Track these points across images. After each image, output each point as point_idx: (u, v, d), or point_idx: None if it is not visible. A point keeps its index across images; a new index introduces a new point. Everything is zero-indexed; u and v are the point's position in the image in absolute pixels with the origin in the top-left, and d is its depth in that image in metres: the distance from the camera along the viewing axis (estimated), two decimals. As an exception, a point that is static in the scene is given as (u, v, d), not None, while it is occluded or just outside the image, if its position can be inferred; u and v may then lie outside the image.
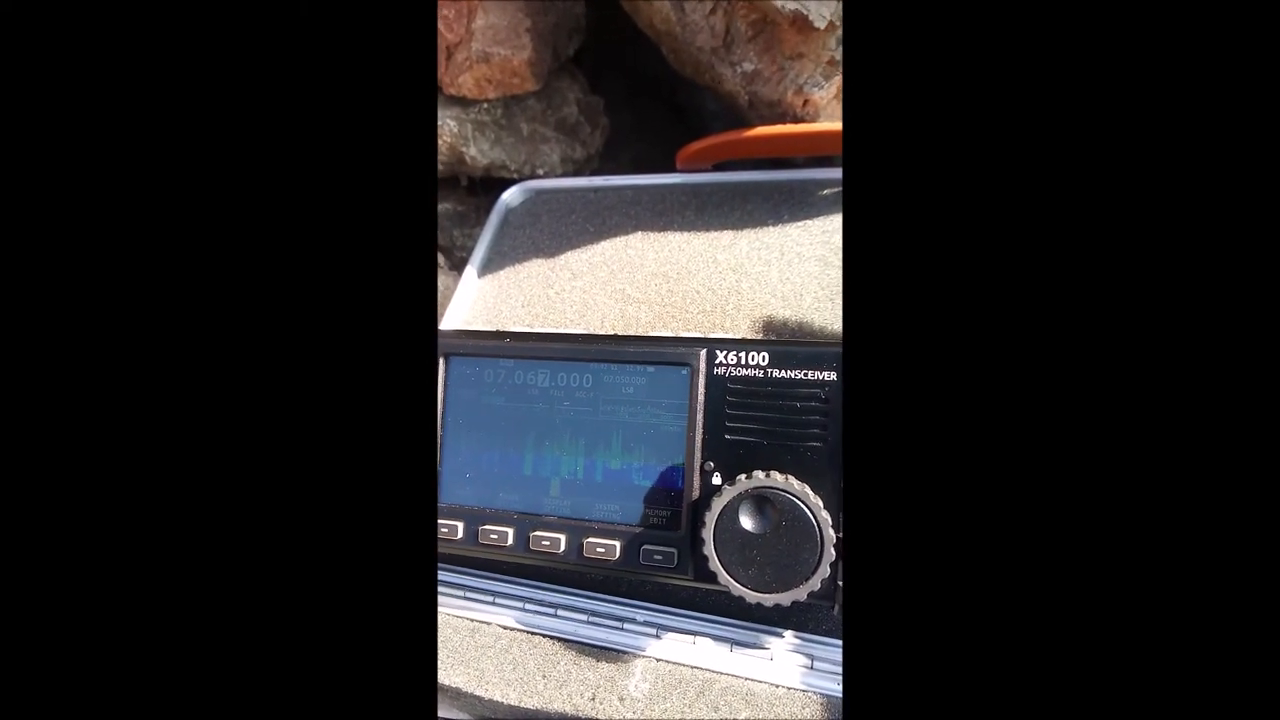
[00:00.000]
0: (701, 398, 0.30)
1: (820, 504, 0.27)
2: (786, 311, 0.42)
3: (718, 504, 0.28)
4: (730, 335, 0.39)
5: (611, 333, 0.40)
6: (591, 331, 0.41)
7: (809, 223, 0.45)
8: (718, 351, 0.30)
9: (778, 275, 0.43)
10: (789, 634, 0.32)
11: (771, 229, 0.45)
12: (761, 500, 0.28)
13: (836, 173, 0.46)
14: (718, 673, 0.31)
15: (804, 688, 0.30)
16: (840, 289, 0.41)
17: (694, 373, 0.30)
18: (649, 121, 0.64)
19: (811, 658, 0.31)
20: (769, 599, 0.27)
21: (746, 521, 0.28)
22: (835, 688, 0.30)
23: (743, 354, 0.30)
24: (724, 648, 0.32)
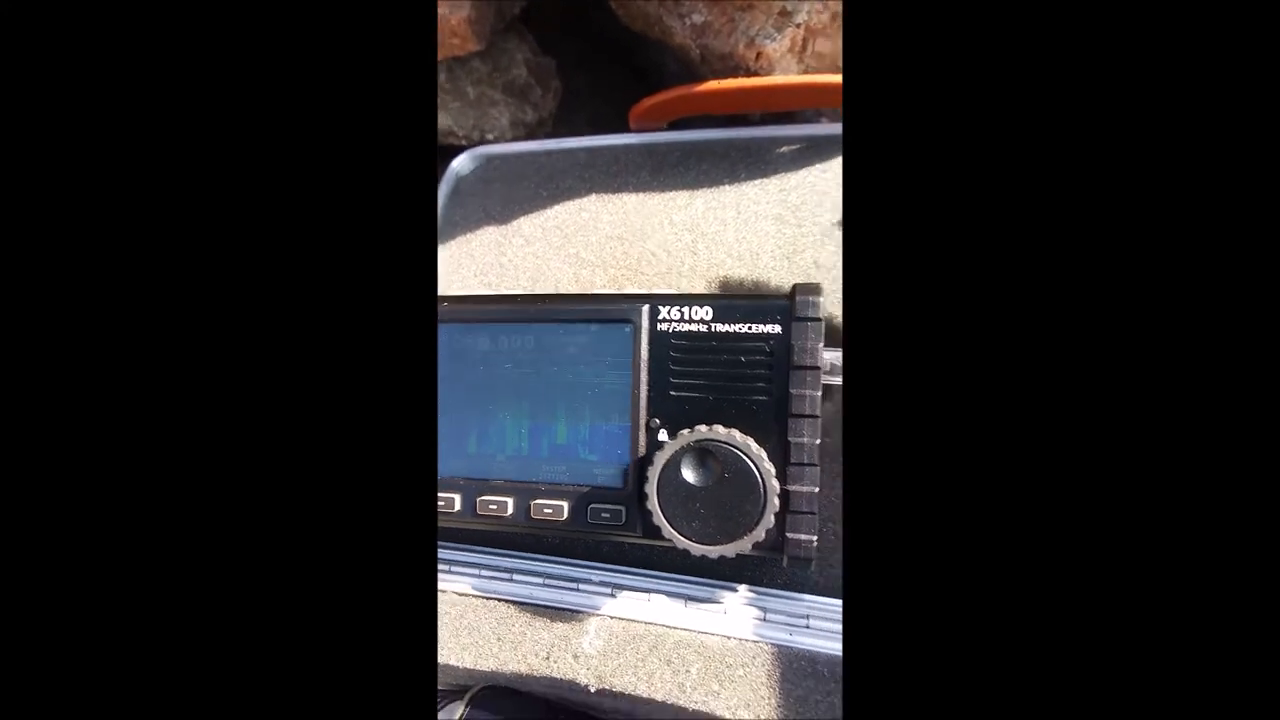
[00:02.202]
0: (645, 354, 0.30)
1: (763, 455, 0.27)
2: (743, 271, 0.41)
3: (660, 458, 0.28)
4: (679, 292, 0.38)
5: (552, 292, 0.40)
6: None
7: (765, 181, 0.44)
8: (660, 307, 0.30)
9: (734, 235, 0.42)
10: (743, 588, 0.32)
11: (728, 188, 0.44)
12: (703, 453, 0.27)
13: (793, 129, 0.46)
14: (671, 627, 0.31)
15: (756, 638, 0.30)
16: (795, 247, 0.41)
17: (636, 329, 0.30)
18: (608, 83, 0.62)
19: (764, 610, 0.31)
20: (714, 550, 0.27)
21: (689, 475, 0.27)
22: (787, 638, 0.30)
23: (686, 309, 0.30)
24: (678, 603, 0.32)
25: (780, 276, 0.40)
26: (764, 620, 0.31)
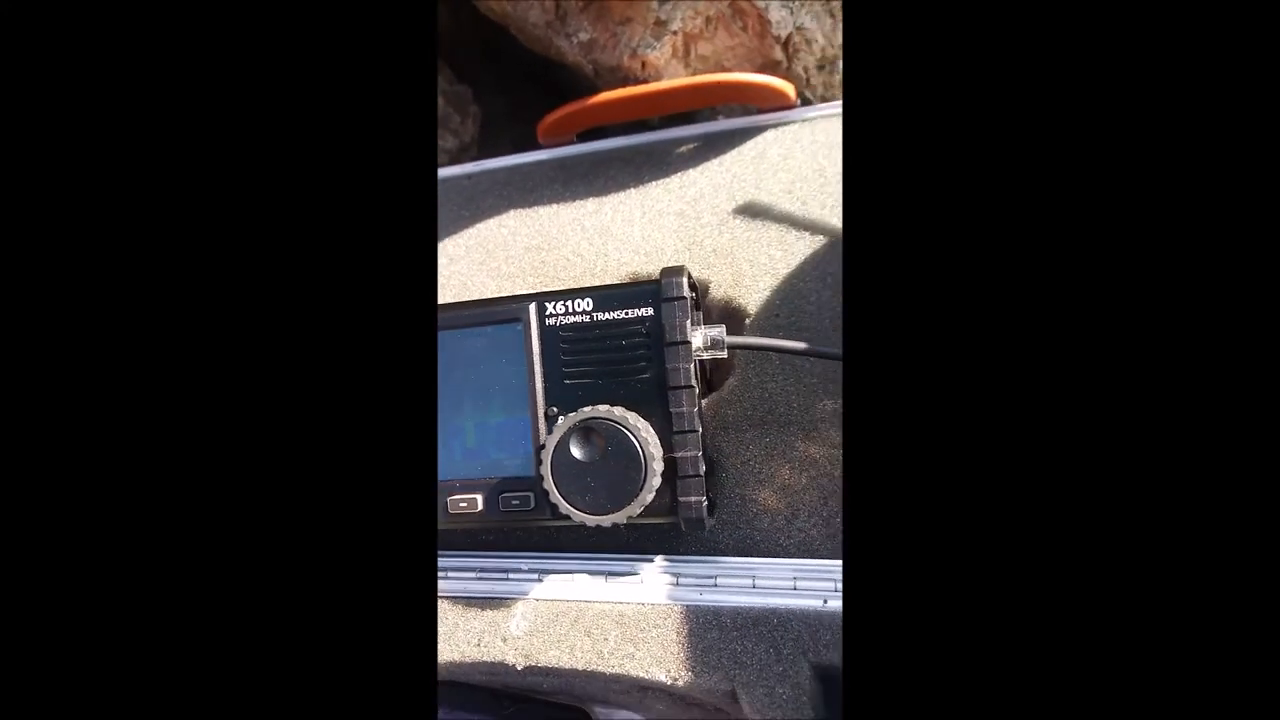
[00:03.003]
0: (537, 349, 0.32)
1: (640, 427, 0.29)
2: (650, 266, 0.44)
3: (551, 441, 0.30)
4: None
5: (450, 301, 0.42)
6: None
7: (668, 180, 0.47)
8: (546, 304, 0.32)
9: (640, 234, 0.45)
10: (659, 558, 0.34)
11: (633, 191, 0.47)
12: (588, 431, 0.30)
13: (690, 129, 0.48)
14: (591, 602, 0.33)
15: (669, 602, 0.32)
16: (695, 238, 0.43)
17: (526, 326, 0.32)
18: (527, 104, 0.65)
19: (677, 575, 0.33)
20: (606, 519, 0.29)
21: (578, 452, 0.30)
22: (697, 597, 0.32)
23: (569, 302, 0.32)
24: (599, 580, 0.34)
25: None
26: (676, 585, 0.33)
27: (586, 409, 0.30)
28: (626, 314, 0.31)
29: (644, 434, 0.29)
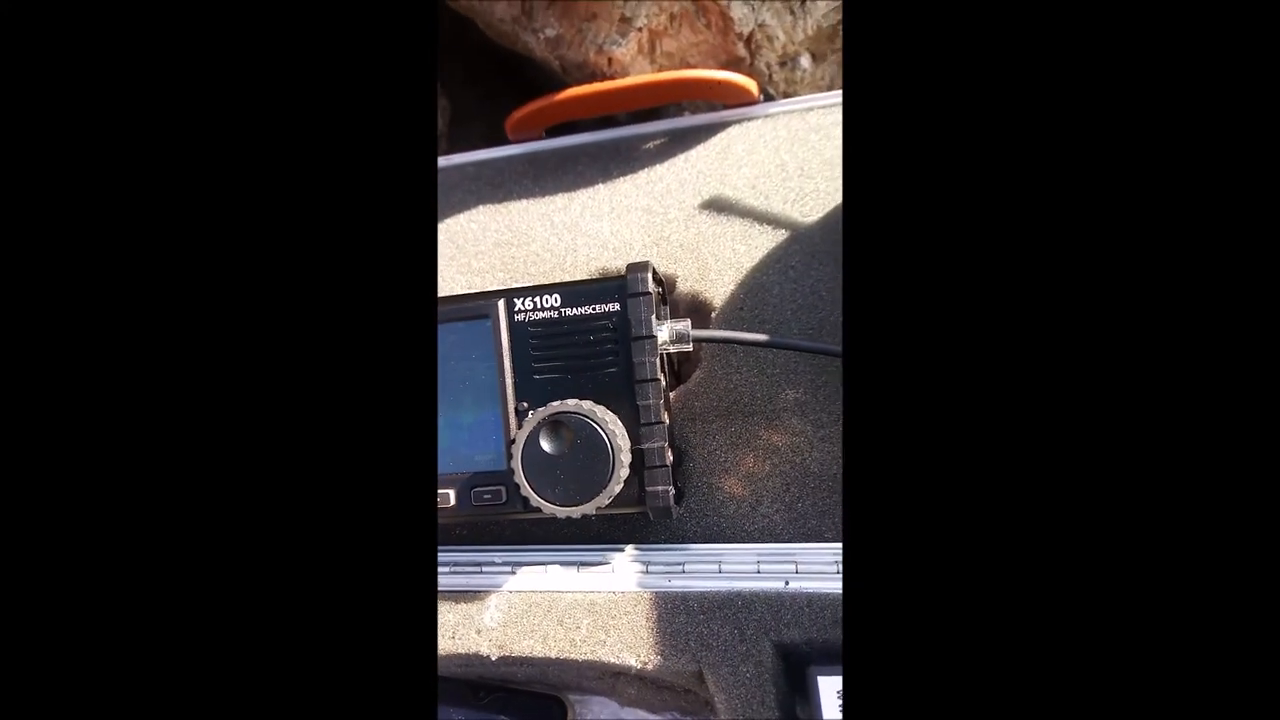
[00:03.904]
0: (506, 344, 0.33)
1: (607, 419, 0.30)
2: (619, 261, 0.44)
3: (521, 435, 0.30)
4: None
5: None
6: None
7: (635, 176, 0.47)
8: (515, 300, 0.33)
9: (609, 229, 0.45)
10: (629, 547, 0.35)
11: (601, 187, 0.47)
12: (557, 424, 0.30)
13: (657, 125, 0.49)
14: (564, 592, 0.34)
15: (639, 589, 0.33)
16: (663, 234, 0.44)
17: (495, 322, 0.33)
18: (497, 98, 0.65)
19: (647, 563, 0.34)
20: (576, 511, 0.30)
21: (547, 445, 0.30)
22: (666, 583, 0.33)
23: (537, 298, 0.33)
24: (571, 570, 0.35)
25: (653, 261, 0.43)
26: (646, 572, 0.34)
27: (555, 403, 0.31)
28: (594, 309, 0.32)
29: (611, 426, 0.30)
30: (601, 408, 0.30)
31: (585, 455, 0.30)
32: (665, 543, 0.35)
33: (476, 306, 0.33)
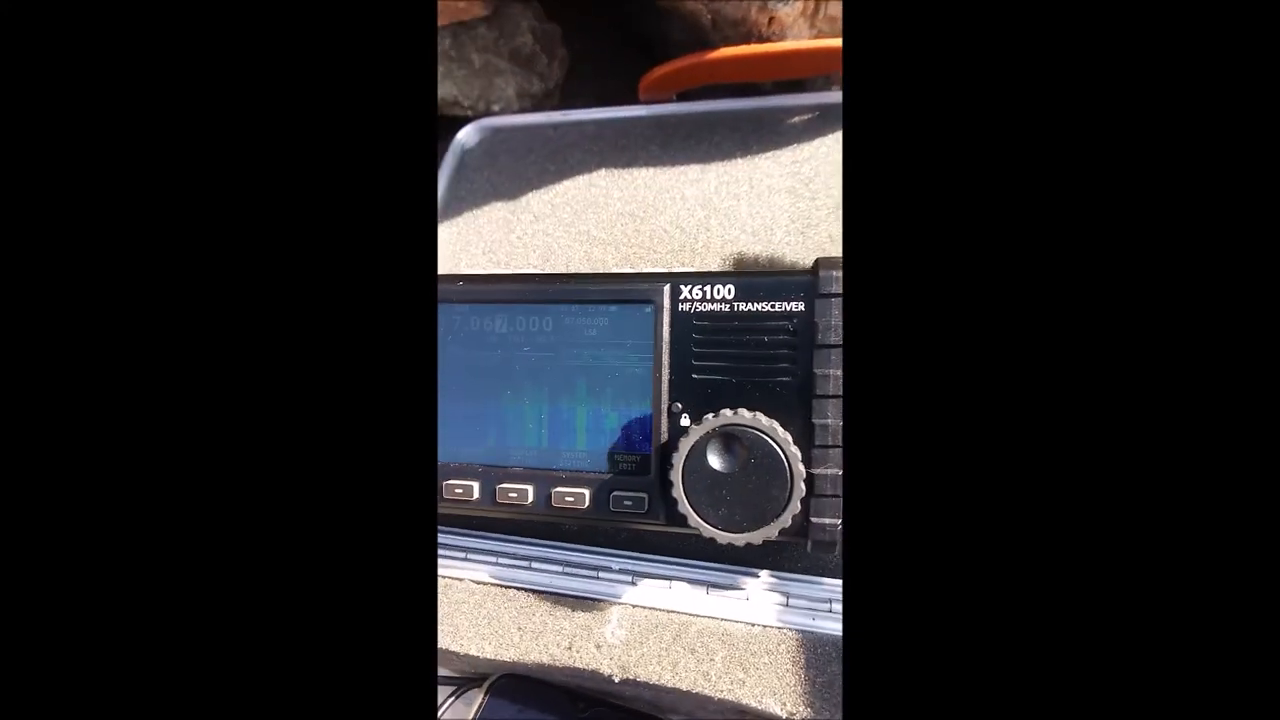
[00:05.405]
0: (667, 336, 0.29)
1: (789, 439, 0.26)
2: (758, 247, 0.40)
3: (685, 445, 0.27)
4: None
5: (569, 271, 0.39)
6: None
7: (778, 153, 0.43)
8: (682, 286, 0.29)
9: (747, 210, 0.41)
10: (765, 573, 0.32)
11: (740, 161, 0.43)
12: (729, 438, 0.26)
13: (805, 98, 0.44)
14: (694, 615, 0.31)
15: (780, 625, 0.30)
16: (809, 221, 0.39)
17: (658, 309, 0.29)
18: (611, 52, 0.60)
19: (787, 595, 0.31)
20: (740, 538, 0.26)
21: (715, 461, 0.27)
22: (810, 623, 0.30)
23: (708, 287, 0.29)
24: (700, 591, 0.31)
25: (796, 252, 0.39)
26: (786, 606, 0.30)
27: (727, 412, 0.27)
28: (773, 306, 0.28)
29: (791, 448, 0.26)
30: (779, 425, 0.26)
31: (759, 477, 0.26)
32: (804, 573, 0.32)
33: (639, 290, 0.29)
